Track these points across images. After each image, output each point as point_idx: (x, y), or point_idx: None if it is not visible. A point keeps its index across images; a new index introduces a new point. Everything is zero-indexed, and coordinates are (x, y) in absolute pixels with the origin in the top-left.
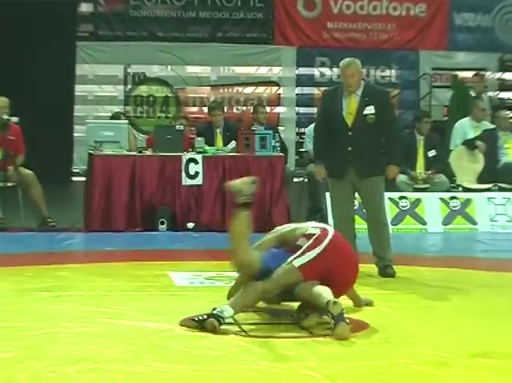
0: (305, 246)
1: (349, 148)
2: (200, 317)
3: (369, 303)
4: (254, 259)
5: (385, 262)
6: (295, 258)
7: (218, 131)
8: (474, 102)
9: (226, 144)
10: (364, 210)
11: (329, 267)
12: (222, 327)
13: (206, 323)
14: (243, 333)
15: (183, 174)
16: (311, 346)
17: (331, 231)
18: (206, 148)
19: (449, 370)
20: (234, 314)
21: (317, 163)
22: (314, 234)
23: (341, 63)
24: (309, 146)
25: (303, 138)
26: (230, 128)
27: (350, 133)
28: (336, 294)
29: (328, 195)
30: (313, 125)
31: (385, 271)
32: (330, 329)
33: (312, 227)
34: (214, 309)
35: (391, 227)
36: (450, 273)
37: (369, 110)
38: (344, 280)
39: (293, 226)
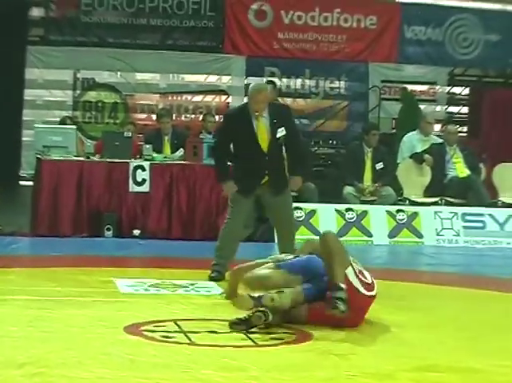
0: (365, 279)
1: (266, 171)
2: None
3: None
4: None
5: None
6: (359, 282)
7: (166, 138)
8: (422, 116)
9: (173, 151)
10: (274, 223)
11: (361, 309)
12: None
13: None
14: (188, 342)
15: (131, 181)
16: (256, 356)
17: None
18: (154, 155)
19: None
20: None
21: (226, 180)
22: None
23: (252, 88)
24: None
25: None
26: (178, 135)
27: (267, 157)
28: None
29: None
30: None
31: None
32: (276, 338)
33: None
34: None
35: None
36: (395, 286)
37: (281, 132)
38: (351, 322)
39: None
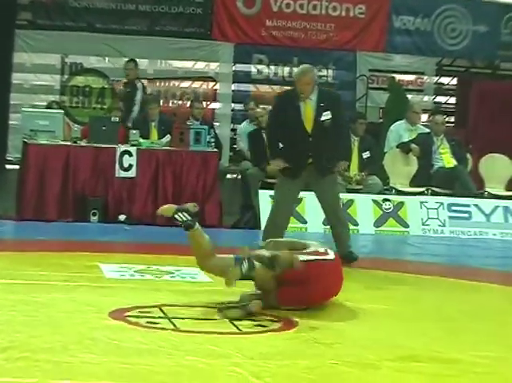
0: (312, 249)
1: (309, 153)
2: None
3: None
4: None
5: (346, 248)
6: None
7: (153, 124)
8: (410, 106)
9: (160, 137)
10: (321, 206)
11: (319, 277)
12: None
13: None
14: (173, 328)
15: (117, 166)
16: (239, 343)
17: (332, 254)
18: (141, 140)
19: (376, 372)
20: None
21: (276, 157)
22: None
23: (297, 71)
24: (241, 145)
25: None
26: (165, 121)
27: (310, 139)
28: (306, 302)
29: (268, 191)
30: (245, 123)
31: (350, 257)
32: (261, 326)
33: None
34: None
35: (323, 227)
36: (380, 275)
37: (326, 116)
38: (320, 295)
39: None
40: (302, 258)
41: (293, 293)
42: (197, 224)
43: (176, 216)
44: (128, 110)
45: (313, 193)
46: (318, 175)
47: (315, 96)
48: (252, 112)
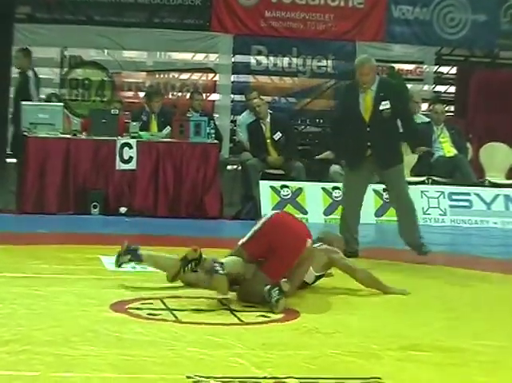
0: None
1: (368, 143)
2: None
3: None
4: None
5: (416, 240)
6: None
7: (153, 116)
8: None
9: (161, 129)
10: (389, 197)
11: (271, 241)
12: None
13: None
14: (174, 319)
15: (117, 158)
16: (241, 334)
17: (271, 213)
18: (141, 133)
19: (378, 362)
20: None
21: (334, 149)
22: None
23: (356, 61)
24: (241, 136)
25: None
26: (165, 113)
27: (368, 129)
28: (285, 264)
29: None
30: (244, 114)
31: (420, 249)
32: (262, 316)
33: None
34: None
35: (323, 217)
36: (381, 265)
37: (384, 105)
38: (289, 251)
39: None
40: (240, 242)
41: (273, 263)
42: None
43: (122, 265)
44: (25, 100)
45: (313, 183)
46: (379, 167)
47: (375, 86)
48: (254, 104)
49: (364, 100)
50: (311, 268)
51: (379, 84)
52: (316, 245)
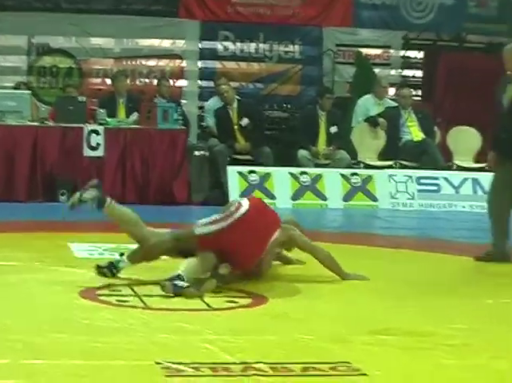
0: (214, 217)
1: (503, 135)
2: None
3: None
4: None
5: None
6: (201, 226)
7: (121, 101)
8: (377, 80)
9: (128, 115)
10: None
11: (234, 243)
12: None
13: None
14: (143, 306)
15: (85, 145)
16: (210, 320)
17: (245, 207)
18: (108, 119)
19: (347, 346)
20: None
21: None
22: (230, 207)
23: (504, 48)
24: (209, 122)
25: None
26: (133, 99)
27: (503, 120)
28: (240, 268)
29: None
30: (212, 100)
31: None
32: (231, 302)
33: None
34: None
35: (291, 202)
36: (350, 249)
37: None
38: (249, 256)
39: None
40: (197, 232)
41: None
42: (108, 199)
43: (84, 197)
44: None
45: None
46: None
47: None
48: (221, 88)
49: (509, 88)
50: None
51: None
52: None
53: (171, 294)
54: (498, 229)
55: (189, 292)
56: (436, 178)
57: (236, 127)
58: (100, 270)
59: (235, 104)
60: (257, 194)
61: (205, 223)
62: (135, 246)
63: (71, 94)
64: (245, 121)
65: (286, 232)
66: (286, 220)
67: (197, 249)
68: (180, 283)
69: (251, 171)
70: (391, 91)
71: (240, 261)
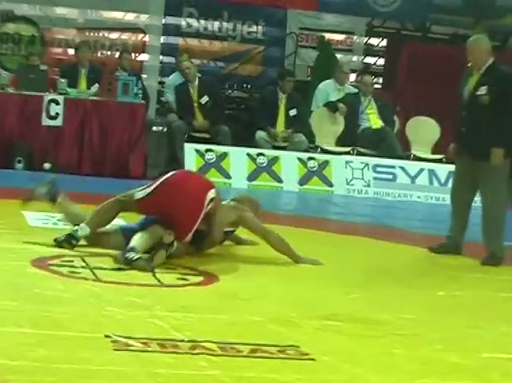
0: (150, 183)
1: (463, 129)
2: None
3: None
4: None
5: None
6: (140, 190)
7: (83, 71)
8: (338, 65)
9: (89, 86)
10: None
11: (167, 204)
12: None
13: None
14: (94, 278)
15: (44, 114)
16: (161, 296)
17: (173, 172)
18: (68, 89)
19: (296, 329)
20: (88, 233)
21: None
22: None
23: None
24: (168, 97)
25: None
26: (94, 70)
27: (464, 113)
28: (181, 229)
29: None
30: (173, 76)
31: (490, 259)
32: (182, 279)
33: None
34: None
35: (246, 182)
36: (304, 233)
37: (482, 91)
38: (186, 217)
39: None
40: (136, 197)
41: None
42: (61, 196)
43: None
44: None
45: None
46: (471, 157)
47: (483, 70)
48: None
49: (468, 82)
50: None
51: (487, 69)
52: (225, 201)
53: (122, 266)
54: (455, 221)
55: (139, 264)
56: (393, 167)
57: (196, 104)
58: (60, 244)
59: (196, 82)
60: (213, 173)
61: (142, 188)
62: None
63: (34, 62)
64: (204, 99)
65: (238, 212)
66: (241, 197)
67: (138, 213)
68: (131, 255)
69: (208, 150)
70: (353, 77)
71: (180, 223)
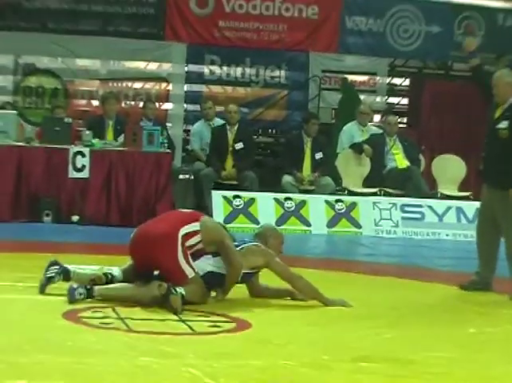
0: None
1: (483, 154)
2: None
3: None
4: None
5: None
6: None
7: (110, 123)
8: (358, 106)
9: (116, 137)
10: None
11: (142, 261)
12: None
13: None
14: (126, 328)
15: (70, 167)
16: (193, 344)
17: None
18: (94, 141)
19: (329, 373)
20: None
21: None
22: None
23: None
24: (194, 145)
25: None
26: (120, 121)
27: (486, 140)
28: (170, 272)
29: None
30: (198, 124)
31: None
32: (215, 326)
33: None
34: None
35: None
36: (333, 275)
37: (503, 124)
38: (162, 258)
39: None
40: None
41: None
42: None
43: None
44: None
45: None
46: (488, 184)
47: (507, 105)
48: (207, 111)
49: (493, 116)
50: None
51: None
52: (252, 243)
53: (152, 316)
54: (482, 257)
55: (178, 298)
56: (420, 206)
57: (230, 149)
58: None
59: (236, 127)
60: (241, 219)
61: None
62: (116, 268)
63: (58, 115)
64: (239, 145)
65: (266, 258)
66: (264, 229)
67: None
68: (177, 288)
69: (236, 196)
70: (377, 118)
71: (165, 268)
